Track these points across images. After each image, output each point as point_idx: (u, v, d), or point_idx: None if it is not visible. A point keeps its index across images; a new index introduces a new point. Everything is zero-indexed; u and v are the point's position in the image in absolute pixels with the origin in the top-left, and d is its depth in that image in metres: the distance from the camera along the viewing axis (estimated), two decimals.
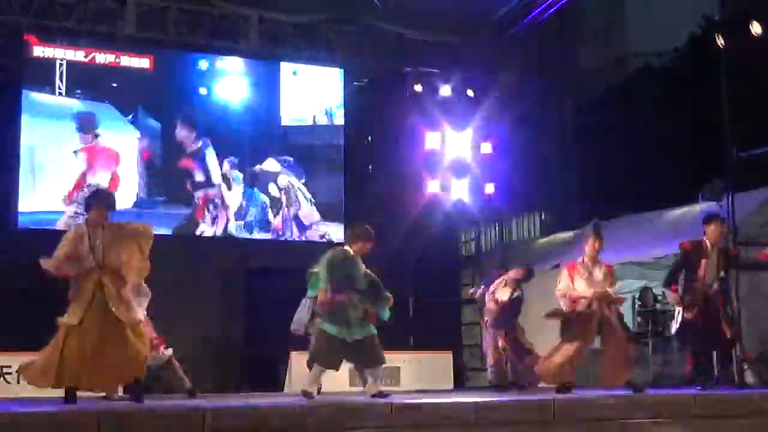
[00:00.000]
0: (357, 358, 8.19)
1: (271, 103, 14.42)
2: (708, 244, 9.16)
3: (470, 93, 15.21)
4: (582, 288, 8.76)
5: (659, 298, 12.34)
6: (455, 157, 15.19)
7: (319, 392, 8.84)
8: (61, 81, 13.16)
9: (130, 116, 13.61)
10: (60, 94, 13.16)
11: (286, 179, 14.28)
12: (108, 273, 7.24)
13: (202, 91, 14.04)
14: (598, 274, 8.83)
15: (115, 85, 13.64)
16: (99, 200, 7.53)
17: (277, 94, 14.43)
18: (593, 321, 8.72)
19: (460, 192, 15.26)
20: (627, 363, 8.74)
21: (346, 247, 8.33)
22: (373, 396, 7.86)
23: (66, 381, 6.99)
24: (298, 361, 11.27)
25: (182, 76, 13.96)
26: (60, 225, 12.55)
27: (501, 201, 15.33)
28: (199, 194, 13.78)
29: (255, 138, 14.26)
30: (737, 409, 7.29)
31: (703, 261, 9.06)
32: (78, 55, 13.21)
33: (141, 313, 7.62)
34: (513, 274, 10.96)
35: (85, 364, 6.98)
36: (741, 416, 7.17)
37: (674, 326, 9.32)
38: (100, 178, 13.23)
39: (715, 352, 9.47)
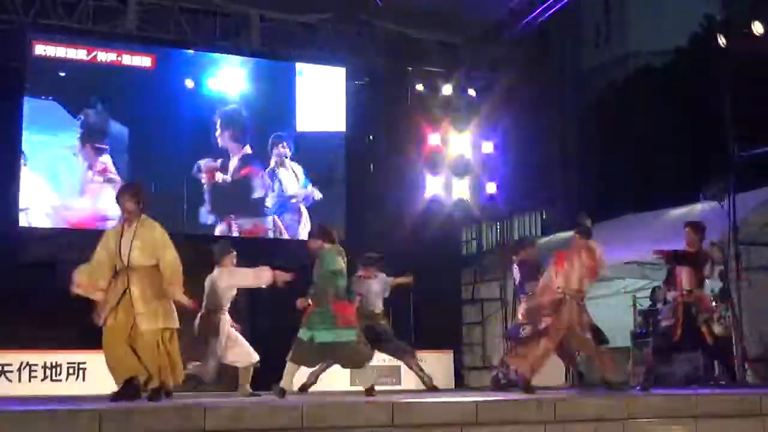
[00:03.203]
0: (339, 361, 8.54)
1: (276, 102, 14.44)
2: (688, 249, 9.17)
3: (472, 92, 15.22)
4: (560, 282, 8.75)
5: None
6: (456, 156, 15.19)
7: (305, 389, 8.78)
8: None
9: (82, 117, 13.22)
10: None
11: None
12: (135, 273, 7.16)
13: (189, 84, 13.77)
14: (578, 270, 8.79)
15: (62, 74, 13.13)
16: (135, 193, 7.36)
17: (282, 93, 14.45)
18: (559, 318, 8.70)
19: (461, 191, 15.26)
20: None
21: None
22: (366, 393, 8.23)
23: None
24: None
25: (183, 74, 13.87)
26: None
27: (502, 200, 15.33)
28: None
29: (257, 135, 14.26)
30: (737, 409, 7.28)
31: (679, 268, 9.07)
32: (80, 54, 13.20)
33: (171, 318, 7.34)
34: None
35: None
36: (741, 416, 7.16)
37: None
38: None
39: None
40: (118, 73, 13.42)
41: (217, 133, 13.81)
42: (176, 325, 7.31)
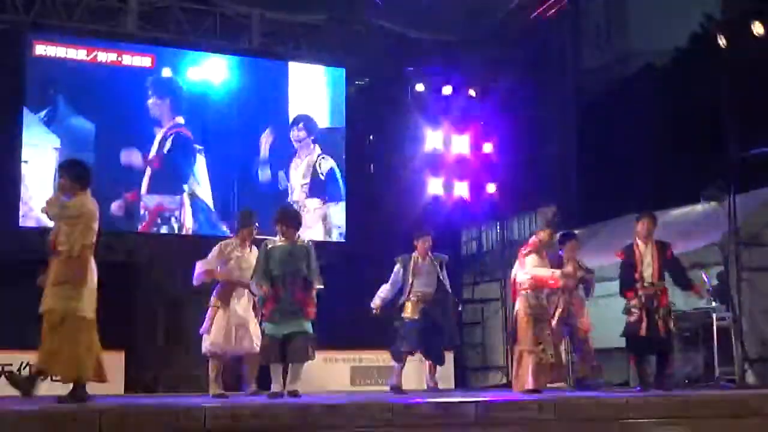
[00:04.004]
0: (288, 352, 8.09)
1: (276, 103, 14.41)
2: (639, 243, 9.15)
3: (472, 92, 15.20)
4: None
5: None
6: (456, 156, 15.18)
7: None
8: None
9: (44, 113, 13.04)
10: None
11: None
12: (55, 255, 6.87)
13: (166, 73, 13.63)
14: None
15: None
16: (70, 168, 7.15)
17: (282, 93, 14.43)
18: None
19: (461, 192, 15.25)
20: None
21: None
22: (289, 393, 7.91)
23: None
24: None
25: (182, 74, 13.81)
26: None
27: (502, 201, 15.31)
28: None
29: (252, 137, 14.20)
30: (737, 409, 7.29)
31: (640, 261, 9.06)
32: (80, 54, 13.20)
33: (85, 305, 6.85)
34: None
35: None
36: (741, 416, 7.17)
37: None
38: None
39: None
40: (117, 72, 13.39)
41: (150, 101, 13.50)
42: (84, 314, 6.84)
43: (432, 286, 9.87)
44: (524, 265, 9.01)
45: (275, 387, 8.13)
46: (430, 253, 10.00)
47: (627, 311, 9.13)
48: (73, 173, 7.07)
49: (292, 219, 8.45)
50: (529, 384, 8.68)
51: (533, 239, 9.29)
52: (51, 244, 6.91)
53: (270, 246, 8.28)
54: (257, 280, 8.27)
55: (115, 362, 11.76)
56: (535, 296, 8.98)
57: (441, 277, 9.90)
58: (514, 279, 9.23)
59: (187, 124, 13.64)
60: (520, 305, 8.97)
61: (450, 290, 10.05)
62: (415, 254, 9.92)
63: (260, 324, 8.37)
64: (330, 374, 12.59)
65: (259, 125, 14.19)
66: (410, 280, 9.78)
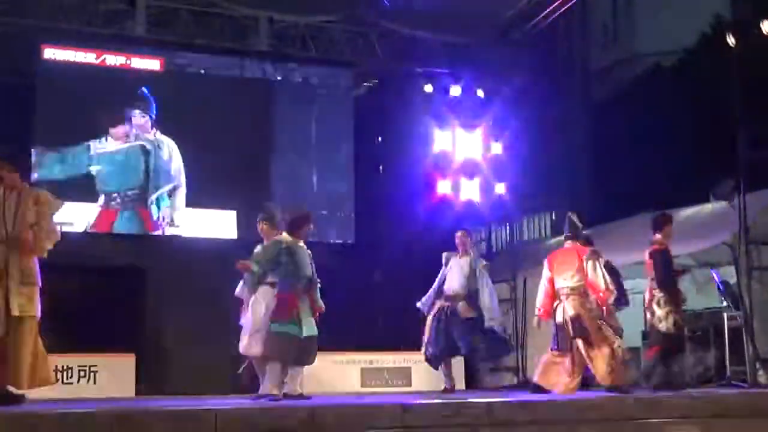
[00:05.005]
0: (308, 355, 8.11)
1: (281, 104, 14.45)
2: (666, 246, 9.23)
3: (480, 93, 15.20)
4: None
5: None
6: (465, 157, 15.17)
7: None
8: None
9: None
10: None
11: None
12: (15, 247, 6.55)
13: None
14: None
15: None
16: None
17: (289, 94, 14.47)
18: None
19: (470, 192, 15.24)
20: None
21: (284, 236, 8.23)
22: (296, 396, 7.90)
23: None
24: None
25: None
26: None
27: (511, 201, 15.30)
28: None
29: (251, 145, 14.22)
30: (749, 408, 7.27)
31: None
32: (89, 58, 13.22)
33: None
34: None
35: None
36: (753, 416, 7.15)
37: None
38: None
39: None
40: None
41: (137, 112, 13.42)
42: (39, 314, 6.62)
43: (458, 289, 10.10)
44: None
45: (271, 389, 7.99)
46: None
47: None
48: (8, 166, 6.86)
49: (305, 220, 8.48)
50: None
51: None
52: (24, 241, 6.56)
53: (289, 245, 8.22)
54: (265, 268, 8.21)
55: (126, 365, 11.82)
56: None
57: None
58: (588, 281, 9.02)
59: (178, 131, 13.65)
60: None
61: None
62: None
63: (274, 324, 8.17)
64: (340, 376, 12.59)
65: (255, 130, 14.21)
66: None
